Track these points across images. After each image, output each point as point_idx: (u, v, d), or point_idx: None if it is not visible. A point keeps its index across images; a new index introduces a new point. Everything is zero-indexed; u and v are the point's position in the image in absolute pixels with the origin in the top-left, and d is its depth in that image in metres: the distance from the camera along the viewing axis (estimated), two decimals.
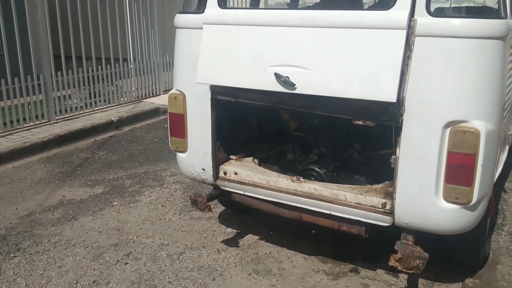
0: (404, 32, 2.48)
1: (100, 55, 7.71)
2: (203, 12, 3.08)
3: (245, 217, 4.06)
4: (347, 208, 2.89)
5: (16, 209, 4.35)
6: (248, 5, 5.60)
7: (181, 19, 3.24)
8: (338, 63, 2.64)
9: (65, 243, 3.71)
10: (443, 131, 2.51)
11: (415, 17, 2.50)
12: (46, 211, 4.29)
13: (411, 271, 2.68)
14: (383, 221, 2.79)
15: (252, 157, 3.49)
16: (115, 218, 4.13)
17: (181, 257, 3.49)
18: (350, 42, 2.62)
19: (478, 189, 2.52)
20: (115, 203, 4.45)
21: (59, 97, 7.06)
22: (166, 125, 7.17)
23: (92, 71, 7.60)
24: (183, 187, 4.77)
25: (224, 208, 4.19)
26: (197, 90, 3.18)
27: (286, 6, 4.93)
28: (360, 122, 2.75)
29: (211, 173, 3.33)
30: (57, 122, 6.86)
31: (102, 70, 7.74)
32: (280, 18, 2.84)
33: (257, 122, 3.76)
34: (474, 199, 2.53)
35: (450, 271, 3.26)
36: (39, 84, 6.74)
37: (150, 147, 6.25)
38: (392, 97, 2.50)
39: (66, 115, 7.14)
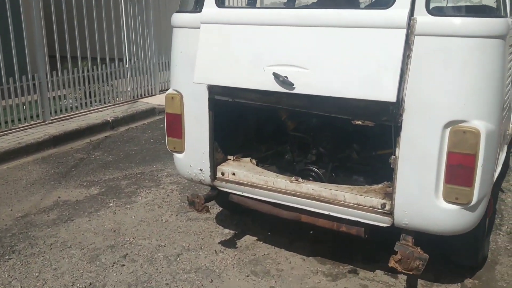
0: (404, 31, 2.46)
1: (96, 55, 7.66)
2: (200, 11, 3.05)
3: (243, 218, 4.03)
4: (346, 208, 2.87)
5: (11, 210, 4.30)
6: (245, 5, 5.57)
7: (178, 18, 3.21)
8: (337, 62, 2.62)
9: (61, 245, 3.67)
10: (443, 131, 2.49)
11: (414, 16, 2.48)
12: (42, 213, 4.25)
13: (411, 272, 2.66)
14: (383, 221, 2.77)
15: (250, 158, 3.47)
16: (111, 219, 4.09)
17: (178, 259, 3.46)
18: (349, 41, 2.59)
19: (478, 190, 2.50)
20: (111, 204, 4.41)
21: (54, 97, 7.01)
22: (162, 125, 7.16)
23: (88, 71, 7.55)
24: (180, 188, 4.74)
25: (221, 209, 4.16)
26: (195, 90, 3.15)
27: (283, 6, 4.90)
28: (360, 122, 2.73)
29: (209, 173, 3.30)
30: (52, 123, 6.81)
31: (97, 70, 7.70)
32: (279, 17, 2.82)
33: (255, 122, 3.73)
34: (474, 199, 2.51)
35: (449, 271, 3.25)
36: (34, 84, 6.69)
37: (146, 147, 6.21)
38: (391, 97, 2.48)
39: (61, 115, 7.09)
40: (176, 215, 4.15)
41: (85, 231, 3.89)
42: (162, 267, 3.36)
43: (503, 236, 3.78)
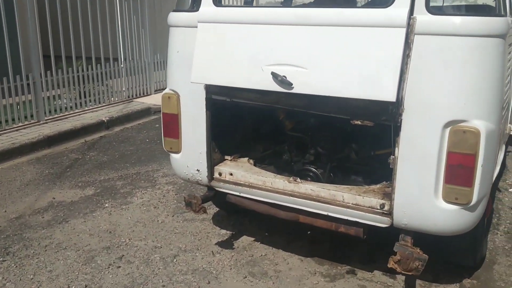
0: (404, 30, 2.44)
1: (90, 54, 7.61)
2: (197, 10, 3.02)
3: (240, 218, 4.00)
4: (344, 209, 2.85)
5: (5, 211, 4.25)
6: (242, 3, 5.53)
7: (175, 17, 3.18)
8: (336, 62, 2.59)
9: (56, 247, 3.62)
10: (443, 131, 2.47)
11: (414, 15, 2.46)
12: (36, 214, 4.20)
13: (410, 273, 2.64)
14: (382, 222, 2.75)
15: (247, 158, 3.44)
16: (107, 220, 4.05)
17: (174, 260, 3.43)
18: (349, 40, 2.57)
19: (478, 190, 2.48)
20: (106, 205, 4.37)
21: (48, 97, 6.95)
22: (157, 125, 7.12)
23: (82, 70, 7.49)
24: (176, 188, 4.70)
25: (218, 209, 4.13)
26: (192, 90, 3.12)
27: (279, 5, 4.87)
28: (359, 122, 2.71)
29: (206, 174, 3.27)
30: (46, 123, 6.75)
31: (92, 69, 7.64)
32: (277, 16, 2.79)
33: (252, 122, 3.70)
34: (474, 199, 2.50)
35: (447, 272, 3.24)
36: (28, 84, 6.62)
37: (142, 147, 6.17)
38: (391, 97, 2.45)
39: (56, 116, 7.03)
40: (173, 216, 4.12)
41: (80, 232, 3.85)
42: (159, 269, 3.32)
43: (500, 235, 3.78)
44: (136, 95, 8.53)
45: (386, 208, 2.74)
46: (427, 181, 2.55)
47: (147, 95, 8.72)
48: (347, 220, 2.87)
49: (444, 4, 3.31)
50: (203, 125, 3.17)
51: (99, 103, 7.80)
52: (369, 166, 3.36)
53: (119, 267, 3.35)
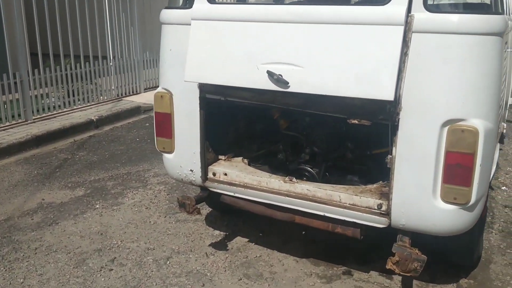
0: (402, 28, 2.40)
1: (79, 52, 7.50)
2: (191, 7, 2.95)
3: (233, 218, 3.95)
4: (341, 209, 2.81)
5: None
6: (236, 0, 5.46)
7: (167, 14, 3.11)
8: (333, 60, 2.55)
9: (46, 249, 3.54)
10: (441, 130, 2.44)
11: (412, 13, 2.43)
12: (25, 216, 4.11)
13: (408, 274, 2.62)
14: (379, 222, 2.71)
15: (241, 157, 3.39)
16: (98, 222, 3.98)
17: (168, 262, 3.37)
18: (346, 38, 2.53)
19: (476, 189, 2.46)
20: (97, 206, 4.29)
21: (36, 96, 6.84)
22: (147, 124, 7.04)
23: (70, 69, 7.38)
24: (168, 188, 4.64)
25: (211, 209, 4.07)
26: (185, 89, 3.06)
27: (272, 2, 4.81)
28: (356, 121, 2.67)
29: (200, 174, 3.21)
30: (34, 122, 6.63)
31: (80, 68, 7.53)
32: (273, 14, 2.73)
33: (247, 121, 3.65)
34: (473, 199, 2.47)
35: (444, 271, 3.22)
36: (15, 83, 6.49)
37: (132, 146, 6.08)
38: (389, 96, 2.42)
39: (44, 115, 6.91)
40: (165, 217, 4.05)
41: (71, 235, 3.77)
42: (152, 271, 3.26)
43: (495, 234, 3.77)
44: (125, 93, 8.42)
45: (384, 208, 2.70)
46: (425, 181, 2.52)
47: (137, 93, 8.60)
48: (344, 220, 2.83)
49: (442, 2, 3.29)
50: (197, 124, 3.11)
51: (88, 102, 7.69)
52: (365, 166, 3.33)
53: (111, 270, 3.28)
